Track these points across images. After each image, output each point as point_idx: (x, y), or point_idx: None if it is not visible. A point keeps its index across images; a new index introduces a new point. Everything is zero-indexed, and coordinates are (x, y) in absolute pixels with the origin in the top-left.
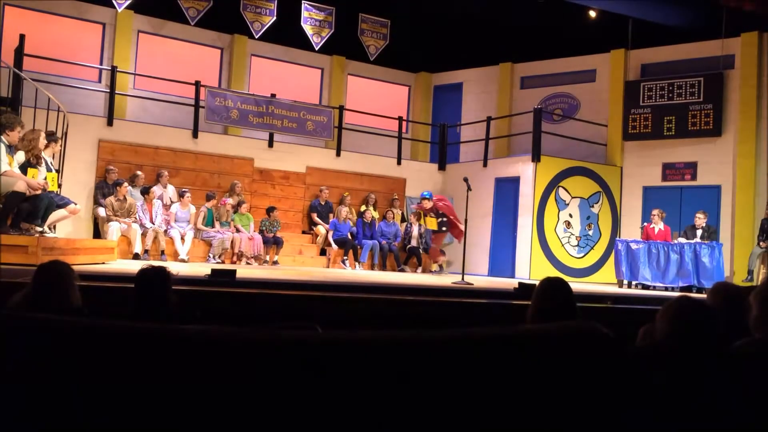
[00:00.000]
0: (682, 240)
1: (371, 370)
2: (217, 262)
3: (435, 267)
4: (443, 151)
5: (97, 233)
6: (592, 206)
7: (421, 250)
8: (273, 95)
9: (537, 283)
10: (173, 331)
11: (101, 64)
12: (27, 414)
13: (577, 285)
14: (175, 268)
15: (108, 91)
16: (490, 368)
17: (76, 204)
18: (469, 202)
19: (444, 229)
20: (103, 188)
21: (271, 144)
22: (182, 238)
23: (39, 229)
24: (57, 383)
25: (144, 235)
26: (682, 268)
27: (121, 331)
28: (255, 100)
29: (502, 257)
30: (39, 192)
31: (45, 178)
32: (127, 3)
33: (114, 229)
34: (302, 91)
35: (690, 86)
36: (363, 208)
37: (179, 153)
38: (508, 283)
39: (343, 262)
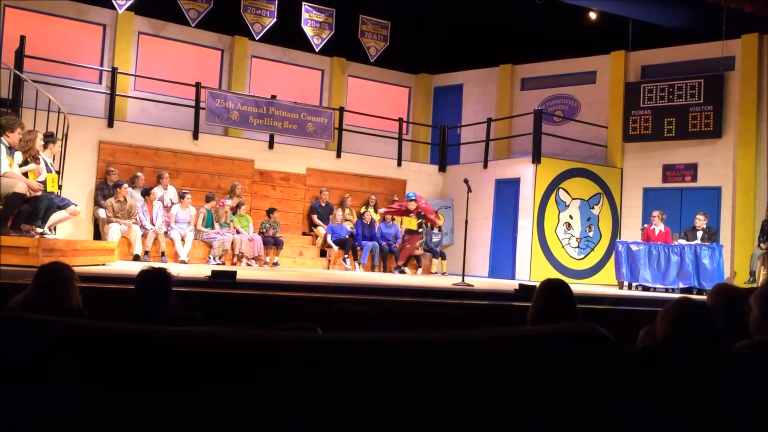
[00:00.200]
0: (683, 241)
1: (371, 372)
2: (218, 264)
3: (410, 270)
4: (443, 153)
5: (98, 235)
6: (593, 208)
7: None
8: (273, 97)
9: (537, 284)
10: (174, 333)
11: (102, 65)
12: (27, 415)
13: (577, 286)
14: (175, 269)
15: (108, 92)
16: (491, 370)
17: (76, 205)
18: (470, 204)
19: (420, 230)
20: (104, 190)
21: (271, 145)
22: (182, 240)
23: (39, 230)
24: (57, 385)
25: (144, 236)
26: (683, 269)
27: (121, 333)
28: (255, 102)
29: (503, 259)
30: (39, 193)
31: (44, 180)
32: (128, 4)
33: (114, 231)
34: (303, 93)
35: (690, 88)
36: (363, 209)
37: (179, 154)
38: (508, 285)
39: (344, 260)
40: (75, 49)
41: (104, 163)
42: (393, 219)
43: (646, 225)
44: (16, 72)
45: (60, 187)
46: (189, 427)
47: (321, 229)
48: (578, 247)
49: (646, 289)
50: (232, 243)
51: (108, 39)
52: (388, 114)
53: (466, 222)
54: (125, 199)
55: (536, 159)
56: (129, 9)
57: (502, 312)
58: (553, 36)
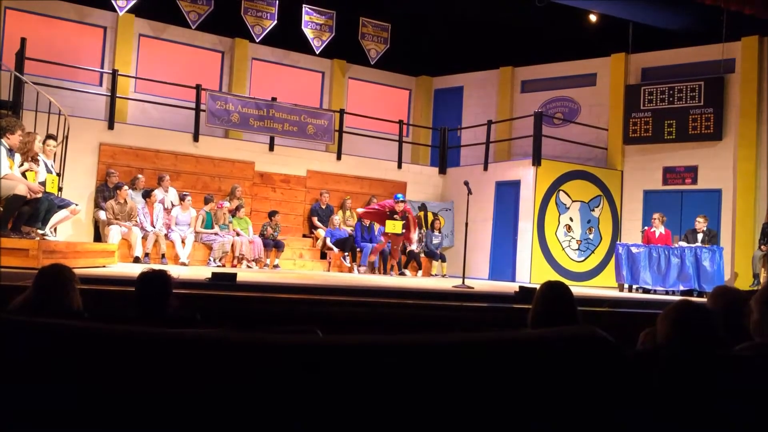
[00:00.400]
0: (683, 244)
1: (372, 374)
2: (218, 266)
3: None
4: (444, 155)
5: (98, 237)
6: (593, 210)
7: (421, 254)
8: (274, 99)
9: (538, 287)
10: (174, 335)
11: (102, 67)
12: (28, 417)
13: (577, 289)
14: (175, 271)
15: (109, 94)
16: (491, 372)
17: (76, 204)
18: (470, 206)
19: (403, 231)
20: (104, 191)
21: (271, 147)
22: (183, 242)
23: (40, 232)
24: (58, 387)
25: (144, 238)
26: (683, 271)
27: (121, 335)
28: (256, 104)
29: (503, 261)
30: (40, 195)
31: (44, 181)
32: (129, 6)
33: (114, 233)
34: (303, 95)
35: (690, 90)
36: None
37: (180, 156)
38: (508, 287)
39: (344, 258)
40: (75, 52)
41: (105, 165)
42: (370, 223)
43: (646, 227)
44: (17, 74)
45: (60, 189)
46: (189, 430)
47: (321, 232)
48: (578, 249)
49: (646, 291)
50: (233, 245)
51: (108, 41)
52: (389, 116)
53: (467, 224)
54: (125, 201)
55: (536, 161)
56: (129, 11)
57: (503, 314)
58: (553, 38)
